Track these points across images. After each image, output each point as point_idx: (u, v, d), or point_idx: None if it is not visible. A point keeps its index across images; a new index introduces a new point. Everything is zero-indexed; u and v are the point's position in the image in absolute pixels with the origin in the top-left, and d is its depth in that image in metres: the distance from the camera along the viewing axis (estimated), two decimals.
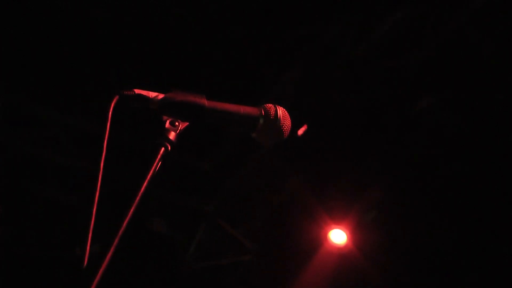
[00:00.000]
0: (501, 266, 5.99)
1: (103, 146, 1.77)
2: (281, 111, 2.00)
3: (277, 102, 2.06)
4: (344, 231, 6.36)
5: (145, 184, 1.73)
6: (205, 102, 1.92)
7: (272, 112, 1.98)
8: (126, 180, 5.55)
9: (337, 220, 6.32)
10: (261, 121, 1.97)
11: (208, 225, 6.66)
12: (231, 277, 6.94)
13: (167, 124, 1.84)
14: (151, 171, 1.75)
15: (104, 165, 1.74)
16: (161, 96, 1.89)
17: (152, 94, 1.89)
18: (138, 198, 1.71)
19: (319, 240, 6.45)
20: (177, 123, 1.85)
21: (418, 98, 5.34)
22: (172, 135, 1.82)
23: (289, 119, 2.01)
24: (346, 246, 6.38)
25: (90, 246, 1.69)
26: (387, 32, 4.83)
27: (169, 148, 1.81)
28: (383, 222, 6.28)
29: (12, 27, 4.98)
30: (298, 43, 5.00)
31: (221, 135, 5.85)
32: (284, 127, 1.99)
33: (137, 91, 1.88)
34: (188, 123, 1.87)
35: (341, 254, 6.45)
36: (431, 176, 5.91)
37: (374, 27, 4.83)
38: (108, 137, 1.78)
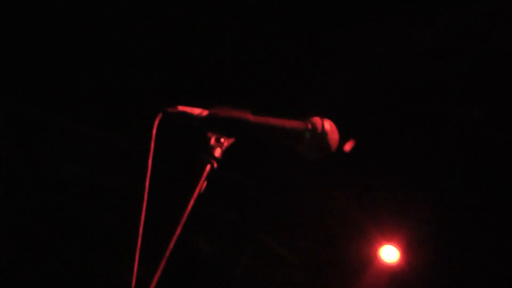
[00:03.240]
0: None
1: (147, 165, 1.79)
2: (328, 124, 2.00)
3: (323, 115, 2.06)
4: (396, 248, 6.28)
5: (191, 203, 1.75)
6: (250, 117, 1.94)
7: (319, 125, 1.99)
8: (172, 199, 5.59)
9: (389, 236, 6.25)
10: (308, 135, 1.98)
11: (253, 244, 6.66)
12: None
13: (212, 141, 1.87)
14: (197, 190, 1.77)
15: (149, 184, 1.77)
16: (205, 112, 1.92)
17: (196, 111, 1.92)
18: (184, 218, 1.73)
19: (369, 258, 6.38)
20: (222, 140, 1.88)
21: (473, 109, 5.27)
22: (217, 152, 1.85)
23: (336, 132, 2.02)
24: (398, 264, 6.29)
25: (137, 268, 1.71)
26: (435, 36, 4.78)
27: (215, 165, 1.83)
28: (439, 237, 6.17)
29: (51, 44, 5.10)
30: (342, 53, 4.98)
31: (267, 150, 5.86)
32: (332, 140, 2.00)
33: (180, 108, 1.91)
34: (233, 139, 1.90)
35: (393, 273, 6.36)
36: (492, 188, 5.79)
37: (422, 30, 4.78)
38: (153, 155, 1.80)
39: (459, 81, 5.09)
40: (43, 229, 6.28)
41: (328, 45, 4.90)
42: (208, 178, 1.81)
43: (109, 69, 5.23)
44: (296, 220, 6.56)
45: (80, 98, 5.49)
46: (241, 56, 5.00)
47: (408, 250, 6.27)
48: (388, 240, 6.27)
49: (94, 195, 6.19)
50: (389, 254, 6.30)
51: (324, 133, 1.98)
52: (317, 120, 2.00)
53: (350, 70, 5.16)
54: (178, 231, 1.71)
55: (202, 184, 1.79)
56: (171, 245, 1.69)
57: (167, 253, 1.67)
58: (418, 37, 4.86)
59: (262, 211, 6.47)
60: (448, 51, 4.95)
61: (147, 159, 1.82)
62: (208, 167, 1.82)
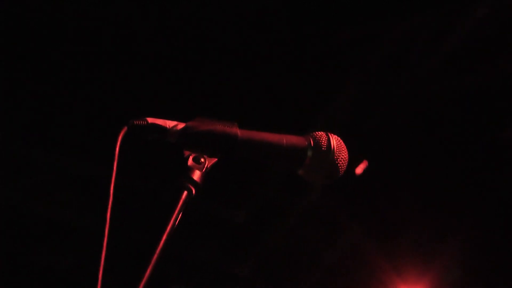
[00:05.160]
0: None
1: (109, 191, 1.77)
2: (335, 140, 1.99)
3: (329, 129, 2.05)
4: None
5: (163, 238, 1.72)
6: (238, 131, 1.92)
7: (324, 142, 1.98)
8: (140, 234, 5.58)
9: (410, 281, 6.28)
10: (310, 153, 1.97)
11: None
12: None
13: (190, 161, 1.85)
14: (171, 222, 1.75)
15: (111, 216, 1.74)
16: (181, 125, 1.90)
17: (170, 124, 1.90)
18: (155, 257, 1.70)
19: None
20: (202, 160, 1.86)
21: (507, 125, 5.32)
22: (196, 175, 1.83)
23: (345, 150, 2.00)
24: None
25: None
26: (467, 35, 4.80)
27: (194, 191, 1.80)
28: (468, 283, 6.21)
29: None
30: (352, 50, 4.98)
31: (257, 175, 5.86)
32: (339, 161, 1.98)
33: (150, 120, 1.89)
34: (216, 159, 1.88)
35: None
36: None
37: (450, 29, 4.81)
38: (116, 179, 1.78)
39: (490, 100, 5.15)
40: None
41: (338, 43, 4.92)
42: (185, 207, 1.78)
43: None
44: (295, 263, 6.58)
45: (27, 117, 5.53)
46: (226, 56, 5.00)
47: None
48: (410, 286, 6.31)
49: (45, 232, 6.19)
50: None
51: (329, 151, 1.97)
52: (321, 135, 1.99)
53: (364, 75, 5.18)
54: (148, 272, 1.68)
55: (178, 215, 1.76)
56: None
57: None
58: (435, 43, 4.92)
59: (255, 251, 6.48)
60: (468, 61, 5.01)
61: (109, 184, 1.79)
62: (185, 193, 1.79)
